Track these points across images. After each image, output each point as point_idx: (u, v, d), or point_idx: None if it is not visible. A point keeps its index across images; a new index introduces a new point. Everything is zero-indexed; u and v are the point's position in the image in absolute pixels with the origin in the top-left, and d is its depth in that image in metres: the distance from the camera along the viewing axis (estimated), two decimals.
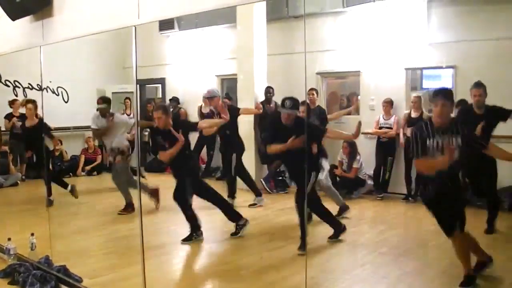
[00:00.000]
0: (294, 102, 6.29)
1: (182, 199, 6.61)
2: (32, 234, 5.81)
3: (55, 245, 5.83)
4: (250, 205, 8.23)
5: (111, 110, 8.19)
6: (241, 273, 5.59)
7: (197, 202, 6.65)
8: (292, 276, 5.18)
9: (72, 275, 5.20)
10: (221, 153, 8.83)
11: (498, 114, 5.60)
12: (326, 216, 6.43)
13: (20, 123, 10.59)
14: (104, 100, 8.18)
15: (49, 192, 8.38)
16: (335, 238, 6.33)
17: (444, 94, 4.76)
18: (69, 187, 8.62)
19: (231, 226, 6.63)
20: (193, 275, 5.81)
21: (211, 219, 6.51)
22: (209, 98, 8.33)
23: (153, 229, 7.10)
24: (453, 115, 5.09)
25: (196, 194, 6.71)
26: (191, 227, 6.59)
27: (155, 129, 6.78)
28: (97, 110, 8.12)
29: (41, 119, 8.40)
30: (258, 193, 8.33)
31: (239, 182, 8.43)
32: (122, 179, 7.99)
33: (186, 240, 6.55)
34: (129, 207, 7.78)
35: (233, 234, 6.67)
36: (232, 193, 8.23)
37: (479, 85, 5.76)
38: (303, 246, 5.83)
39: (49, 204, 8.13)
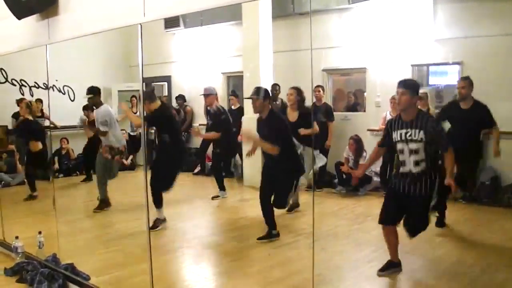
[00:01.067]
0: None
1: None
2: (40, 233, 5.82)
3: (63, 243, 5.84)
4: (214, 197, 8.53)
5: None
6: (248, 270, 5.59)
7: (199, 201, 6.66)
8: (299, 273, 5.17)
9: (79, 273, 5.21)
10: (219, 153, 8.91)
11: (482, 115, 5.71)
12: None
13: None
14: (89, 91, 8.10)
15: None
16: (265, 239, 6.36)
17: (404, 83, 4.97)
18: (35, 193, 8.84)
19: (233, 225, 6.60)
20: (200, 273, 5.81)
21: (216, 217, 6.50)
22: (205, 95, 8.39)
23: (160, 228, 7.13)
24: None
25: None
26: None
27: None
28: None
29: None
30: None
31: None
32: (106, 175, 8.01)
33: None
34: (103, 204, 7.95)
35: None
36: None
37: (465, 78, 5.86)
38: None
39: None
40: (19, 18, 5.52)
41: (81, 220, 8.22)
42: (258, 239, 6.25)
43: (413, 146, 4.83)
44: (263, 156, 6.51)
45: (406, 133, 4.86)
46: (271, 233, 6.28)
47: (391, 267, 5.16)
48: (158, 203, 6.85)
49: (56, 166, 9.47)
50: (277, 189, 6.30)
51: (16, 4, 5.43)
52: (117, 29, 4.71)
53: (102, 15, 4.73)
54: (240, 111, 9.88)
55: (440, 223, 6.16)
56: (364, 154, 8.73)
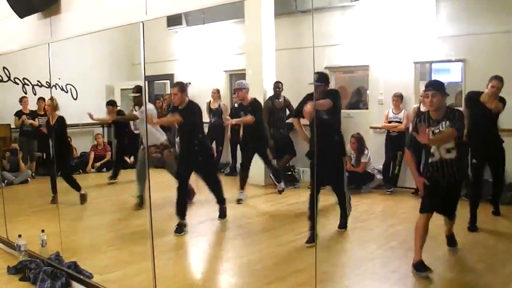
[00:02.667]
0: None
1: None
2: (43, 231, 5.83)
3: (66, 241, 5.85)
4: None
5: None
6: (252, 268, 5.59)
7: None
8: (302, 270, 5.17)
9: (82, 271, 5.22)
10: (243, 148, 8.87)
11: None
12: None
13: (30, 120, 10.67)
14: (138, 89, 8.07)
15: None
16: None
17: (433, 85, 5.07)
18: (81, 191, 8.48)
19: (237, 222, 6.59)
20: (204, 271, 5.82)
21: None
22: (238, 89, 8.33)
23: (163, 225, 7.13)
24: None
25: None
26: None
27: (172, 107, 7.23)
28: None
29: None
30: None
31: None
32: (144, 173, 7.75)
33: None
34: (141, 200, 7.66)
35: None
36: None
37: (497, 78, 5.88)
38: (311, 238, 5.86)
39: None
40: (21, 16, 5.52)
41: (86, 218, 8.25)
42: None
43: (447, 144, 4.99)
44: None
45: (436, 130, 4.98)
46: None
47: (425, 268, 5.08)
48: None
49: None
50: None
51: (18, 2, 5.44)
52: (119, 27, 4.71)
53: (104, 13, 4.73)
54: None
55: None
56: (366, 151, 8.72)
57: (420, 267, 5.03)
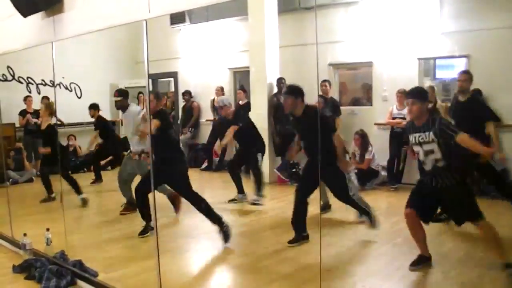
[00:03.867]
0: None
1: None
2: (48, 229, 5.83)
3: (70, 240, 5.86)
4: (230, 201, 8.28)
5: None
6: (257, 266, 5.59)
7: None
8: (307, 268, 5.18)
9: (87, 270, 5.22)
10: (242, 149, 8.63)
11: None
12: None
13: (34, 119, 10.69)
14: (119, 93, 7.60)
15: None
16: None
17: (413, 93, 5.14)
18: (82, 195, 8.38)
19: (241, 221, 6.58)
20: (208, 269, 5.82)
21: (225, 213, 6.48)
22: (219, 107, 8.27)
23: (168, 224, 7.14)
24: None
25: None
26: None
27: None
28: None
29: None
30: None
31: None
32: (129, 178, 7.52)
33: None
34: (131, 205, 7.50)
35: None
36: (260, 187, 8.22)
37: (465, 71, 5.91)
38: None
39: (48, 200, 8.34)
40: (24, 15, 5.53)
41: (91, 216, 8.27)
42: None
43: (426, 147, 4.96)
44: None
45: (419, 137, 5.01)
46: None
47: (423, 261, 5.17)
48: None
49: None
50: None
51: (22, 1, 5.45)
52: (122, 26, 4.71)
53: (107, 11, 4.73)
54: (247, 106, 9.88)
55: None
56: (370, 148, 8.73)
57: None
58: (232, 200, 8.25)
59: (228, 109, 8.15)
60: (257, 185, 8.18)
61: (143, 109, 7.83)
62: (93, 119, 9.53)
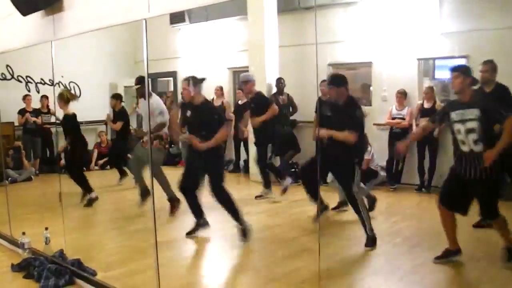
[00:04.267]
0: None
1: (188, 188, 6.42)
2: (46, 228, 5.83)
3: (69, 239, 5.86)
4: (257, 197, 8.28)
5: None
6: (256, 265, 5.60)
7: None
8: (306, 267, 5.17)
9: (86, 269, 5.22)
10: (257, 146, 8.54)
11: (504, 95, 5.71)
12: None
13: (33, 118, 10.69)
14: (139, 81, 7.63)
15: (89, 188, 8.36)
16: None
17: (456, 69, 5.10)
18: (92, 194, 8.29)
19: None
20: (206, 268, 5.83)
21: (222, 211, 6.48)
22: (244, 82, 8.23)
23: (166, 223, 7.13)
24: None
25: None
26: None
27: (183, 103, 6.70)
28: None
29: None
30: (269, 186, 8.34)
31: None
32: (141, 166, 7.51)
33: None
34: (146, 195, 7.33)
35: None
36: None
37: (487, 62, 5.87)
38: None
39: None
40: (24, 14, 5.52)
41: (89, 215, 8.26)
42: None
43: (469, 124, 4.91)
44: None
45: (462, 114, 4.97)
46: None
47: (449, 255, 5.20)
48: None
49: (63, 162, 9.46)
50: None
51: (21, 0, 5.44)
52: (122, 25, 4.71)
53: (107, 10, 4.73)
54: (247, 105, 9.87)
55: None
56: (369, 148, 8.71)
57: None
58: (259, 196, 8.31)
59: (252, 86, 8.15)
60: (265, 181, 8.28)
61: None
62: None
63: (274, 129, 8.26)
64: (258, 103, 8.09)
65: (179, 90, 11.94)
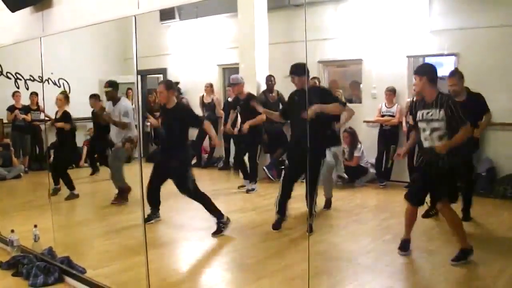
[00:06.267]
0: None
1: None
2: (35, 226, 5.81)
3: (58, 236, 5.84)
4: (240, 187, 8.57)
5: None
6: (244, 262, 5.60)
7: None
8: (295, 264, 5.18)
9: (75, 266, 5.21)
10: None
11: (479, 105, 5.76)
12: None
13: (23, 115, 10.64)
14: (110, 84, 7.90)
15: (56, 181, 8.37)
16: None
17: (417, 71, 5.24)
18: (74, 191, 8.35)
19: (230, 216, 6.56)
20: (196, 265, 5.82)
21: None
22: (233, 84, 8.41)
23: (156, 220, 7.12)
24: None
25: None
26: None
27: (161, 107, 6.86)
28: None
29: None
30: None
31: None
32: (119, 165, 7.75)
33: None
34: (122, 195, 7.62)
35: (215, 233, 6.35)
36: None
37: (453, 74, 5.90)
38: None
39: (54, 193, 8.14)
40: (13, 10, 5.50)
41: (79, 213, 8.23)
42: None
43: (434, 124, 5.04)
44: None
45: (427, 113, 5.09)
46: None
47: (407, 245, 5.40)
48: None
49: (52, 159, 9.42)
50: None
51: None
52: (112, 21, 4.69)
53: (96, 7, 4.71)
54: (236, 103, 9.86)
55: (466, 216, 6.07)
56: (359, 145, 8.74)
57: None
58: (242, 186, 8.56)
59: (241, 87, 8.27)
60: (252, 175, 8.45)
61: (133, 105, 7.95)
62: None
63: (262, 130, 8.50)
64: (247, 105, 8.13)
65: None
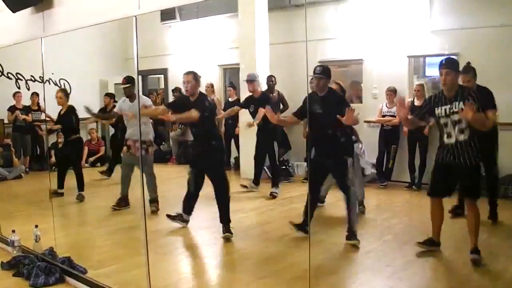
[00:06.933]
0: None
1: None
2: (36, 226, 5.81)
3: (59, 236, 5.84)
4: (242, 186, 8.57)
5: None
6: (246, 262, 5.60)
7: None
8: (296, 264, 5.18)
9: (76, 267, 5.21)
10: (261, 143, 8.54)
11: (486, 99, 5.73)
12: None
13: (23, 116, 10.65)
14: (128, 80, 7.48)
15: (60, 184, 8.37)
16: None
17: (446, 64, 5.17)
18: (82, 192, 8.39)
19: (234, 216, 6.56)
20: (197, 265, 5.82)
21: (211, 210, 6.48)
22: (249, 81, 8.29)
23: (156, 220, 7.12)
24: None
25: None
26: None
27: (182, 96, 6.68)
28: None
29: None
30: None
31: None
32: (128, 172, 7.53)
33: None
34: (123, 202, 7.55)
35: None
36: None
37: (467, 71, 5.86)
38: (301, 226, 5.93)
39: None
40: (14, 11, 5.50)
41: (80, 213, 8.24)
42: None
43: (455, 117, 5.03)
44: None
45: (449, 108, 5.07)
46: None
47: (431, 244, 5.33)
48: None
49: (53, 159, 9.43)
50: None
51: None
52: (113, 22, 4.69)
53: (97, 7, 4.71)
54: (237, 103, 9.87)
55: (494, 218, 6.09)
56: (360, 145, 8.71)
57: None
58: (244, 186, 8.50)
59: (256, 85, 8.26)
60: (275, 178, 8.38)
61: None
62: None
63: (277, 128, 8.39)
64: (261, 104, 8.06)
65: (170, 87, 11.95)
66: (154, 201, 7.43)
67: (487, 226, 5.71)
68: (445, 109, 5.10)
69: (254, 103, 8.27)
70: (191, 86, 6.41)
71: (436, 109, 5.18)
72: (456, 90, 5.07)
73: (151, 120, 7.91)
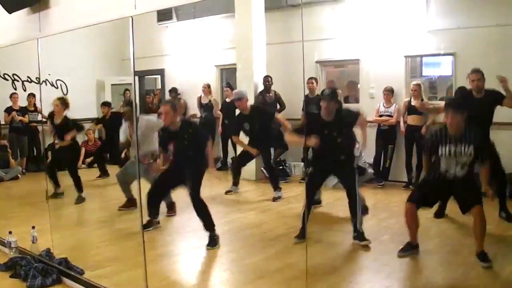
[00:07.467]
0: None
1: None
2: (33, 227, 5.80)
3: (56, 238, 5.83)
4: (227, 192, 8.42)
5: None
6: (243, 263, 5.59)
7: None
8: (293, 265, 5.17)
9: (73, 268, 5.20)
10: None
11: (496, 97, 5.73)
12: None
13: (20, 117, 10.64)
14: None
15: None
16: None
17: (453, 106, 5.20)
18: (58, 189, 8.36)
19: (227, 217, 6.56)
20: (195, 266, 5.81)
21: (213, 210, 6.47)
22: (237, 99, 8.25)
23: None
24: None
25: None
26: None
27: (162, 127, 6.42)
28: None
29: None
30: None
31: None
32: (131, 179, 7.32)
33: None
34: (130, 202, 7.39)
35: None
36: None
37: (477, 71, 5.85)
38: (301, 234, 5.84)
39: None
40: (10, 12, 5.50)
41: (77, 214, 8.22)
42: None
43: (461, 159, 5.08)
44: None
45: (455, 150, 5.07)
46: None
47: (411, 248, 5.33)
48: None
49: (50, 160, 9.42)
50: None
51: None
52: (109, 22, 4.69)
53: (93, 8, 4.71)
54: (234, 104, 9.86)
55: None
56: (357, 145, 8.71)
57: None
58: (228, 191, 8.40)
59: (245, 102, 8.17)
60: (273, 181, 8.26)
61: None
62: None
63: (273, 131, 8.31)
64: (254, 119, 8.13)
65: (167, 87, 11.96)
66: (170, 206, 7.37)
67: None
68: (449, 150, 5.10)
69: (246, 120, 8.26)
70: (169, 117, 6.14)
71: (440, 147, 5.16)
72: (462, 131, 5.06)
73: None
